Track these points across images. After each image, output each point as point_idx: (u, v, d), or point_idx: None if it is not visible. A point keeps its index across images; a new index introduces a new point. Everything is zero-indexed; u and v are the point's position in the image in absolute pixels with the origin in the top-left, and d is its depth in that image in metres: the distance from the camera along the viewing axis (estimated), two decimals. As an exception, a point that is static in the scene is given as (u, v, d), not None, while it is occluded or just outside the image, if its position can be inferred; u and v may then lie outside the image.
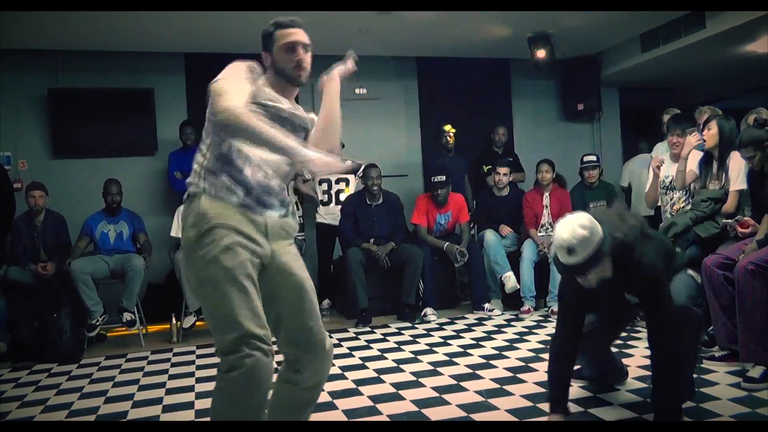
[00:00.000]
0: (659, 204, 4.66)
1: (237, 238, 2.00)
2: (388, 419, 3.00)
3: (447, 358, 4.11)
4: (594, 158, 5.86)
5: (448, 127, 6.36)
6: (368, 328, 5.19)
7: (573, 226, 2.44)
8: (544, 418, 2.77)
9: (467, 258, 5.64)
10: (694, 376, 3.08)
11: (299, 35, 2.23)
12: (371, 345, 4.61)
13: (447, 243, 5.74)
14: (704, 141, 4.14)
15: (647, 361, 3.43)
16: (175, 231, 5.40)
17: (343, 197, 6.07)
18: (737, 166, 3.92)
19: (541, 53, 6.49)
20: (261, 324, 1.97)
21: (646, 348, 3.35)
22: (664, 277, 2.60)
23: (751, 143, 3.67)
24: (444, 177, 5.86)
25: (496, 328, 4.96)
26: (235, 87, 2.03)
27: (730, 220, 3.80)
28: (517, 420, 2.88)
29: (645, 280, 2.55)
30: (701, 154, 4.31)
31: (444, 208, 5.92)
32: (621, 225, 2.56)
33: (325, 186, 6.17)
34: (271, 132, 1.94)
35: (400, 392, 3.41)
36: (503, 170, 5.94)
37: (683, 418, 2.60)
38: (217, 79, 2.05)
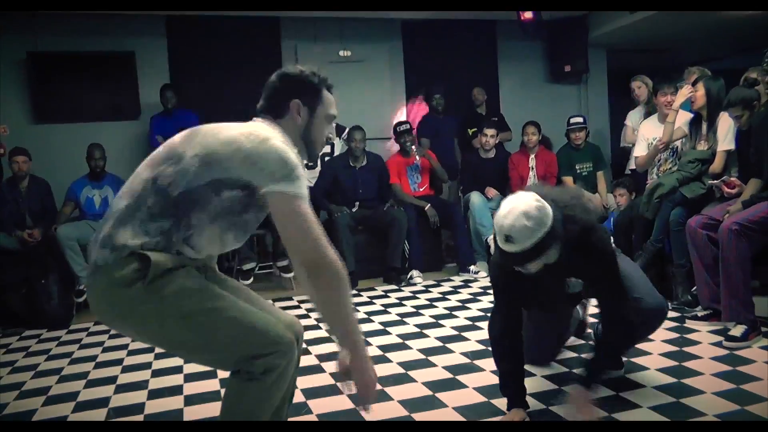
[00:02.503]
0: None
1: (179, 270, 1.78)
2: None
3: (433, 320, 4.15)
4: (580, 120, 5.85)
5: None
6: (354, 291, 5.22)
7: (518, 213, 2.15)
8: (503, 418, 2.49)
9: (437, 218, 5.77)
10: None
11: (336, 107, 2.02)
12: (358, 308, 4.64)
13: (429, 205, 5.77)
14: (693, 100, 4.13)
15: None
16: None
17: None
18: (726, 126, 3.94)
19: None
20: (279, 317, 1.94)
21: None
22: (616, 259, 2.46)
23: (739, 102, 3.68)
24: (408, 125, 6.00)
25: (481, 290, 4.99)
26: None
27: (716, 181, 3.82)
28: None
29: (602, 264, 2.39)
30: (690, 115, 4.32)
31: (412, 158, 5.96)
32: (581, 206, 2.34)
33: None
34: (352, 318, 1.81)
35: (387, 354, 3.45)
36: (490, 132, 5.93)
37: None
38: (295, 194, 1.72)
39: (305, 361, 3.35)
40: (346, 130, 6.07)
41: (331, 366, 3.27)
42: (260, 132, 1.78)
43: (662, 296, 2.72)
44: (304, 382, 3.02)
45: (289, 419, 2.10)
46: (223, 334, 1.75)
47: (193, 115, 5.78)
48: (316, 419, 2.63)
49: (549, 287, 2.48)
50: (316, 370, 3.24)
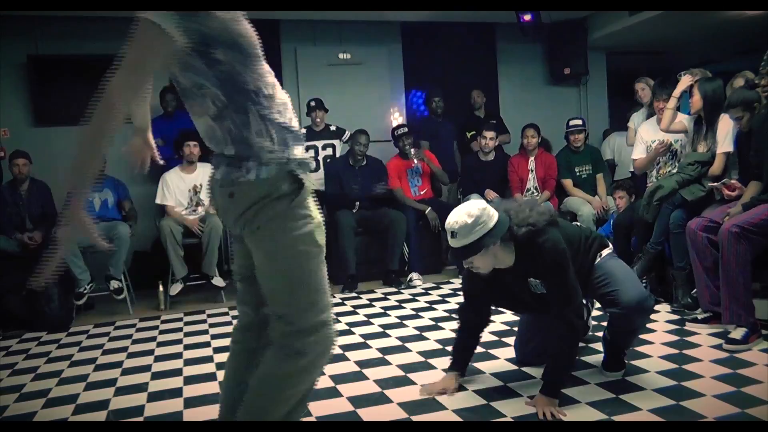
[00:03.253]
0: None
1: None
2: (374, 384, 3.04)
3: (433, 323, 4.14)
4: (580, 122, 5.84)
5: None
6: (354, 294, 5.22)
7: (462, 212, 2.52)
8: (438, 381, 2.91)
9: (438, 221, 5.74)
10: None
11: None
12: (357, 311, 4.64)
13: (429, 208, 5.76)
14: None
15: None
16: (160, 198, 5.39)
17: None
18: (725, 128, 3.94)
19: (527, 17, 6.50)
20: None
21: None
22: (567, 260, 2.59)
23: (740, 104, 3.68)
24: (406, 128, 5.99)
25: (482, 293, 4.98)
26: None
27: (716, 183, 3.82)
28: (502, 384, 2.93)
29: (549, 263, 2.57)
30: (686, 116, 4.32)
31: (412, 161, 5.96)
32: (530, 214, 2.60)
33: (311, 152, 6.14)
34: (102, 132, 1.79)
35: (386, 357, 3.45)
36: (489, 134, 5.93)
37: (558, 396, 2.60)
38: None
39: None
40: (347, 133, 6.08)
41: (330, 368, 3.27)
42: None
43: (647, 291, 2.76)
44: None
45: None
46: (310, 289, 1.83)
47: (193, 117, 5.78)
48: (315, 421, 2.63)
49: (513, 288, 2.77)
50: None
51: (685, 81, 4.22)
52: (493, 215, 2.53)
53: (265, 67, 1.86)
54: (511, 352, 3.31)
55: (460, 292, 4.93)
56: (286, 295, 1.85)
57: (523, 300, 2.82)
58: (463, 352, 2.96)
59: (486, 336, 3.69)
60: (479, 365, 3.19)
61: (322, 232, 1.89)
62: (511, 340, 3.52)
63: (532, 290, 2.73)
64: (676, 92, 4.28)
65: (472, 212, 2.50)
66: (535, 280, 2.68)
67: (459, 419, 2.57)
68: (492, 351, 3.42)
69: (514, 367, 3.14)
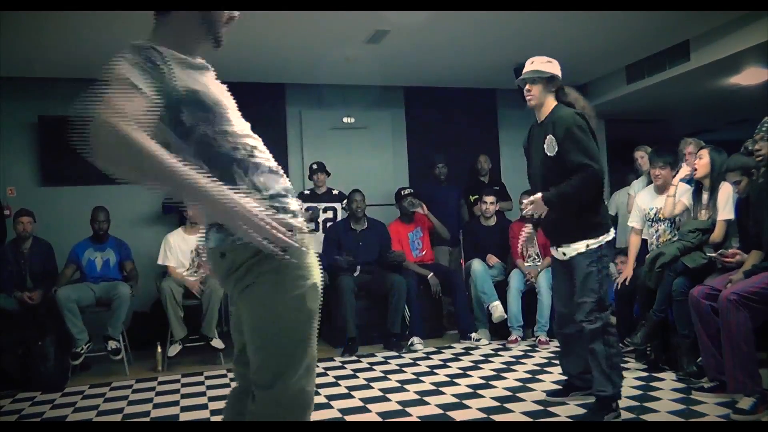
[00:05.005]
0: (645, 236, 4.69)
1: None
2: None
3: (434, 388, 4.08)
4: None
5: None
6: (355, 357, 5.16)
7: (547, 57, 3.40)
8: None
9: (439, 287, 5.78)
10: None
11: None
12: (357, 374, 4.58)
13: (431, 274, 5.76)
14: (695, 171, 4.17)
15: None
16: (162, 259, 5.39)
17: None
18: (725, 195, 3.97)
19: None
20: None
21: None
22: (584, 131, 3.17)
23: (738, 168, 3.73)
24: (412, 190, 6.09)
25: (483, 358, 4.94)
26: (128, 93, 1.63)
27: (715, 254, 3.82)
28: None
29: (566, 126, 3.17)
30: (689, 188, 4.35)
31: (412, 225, 6.00)
32: (583, 104, 3.35)
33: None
34: (180, 168, 1.58)
35: (387, 421, 3.38)
36: (489, 199, 5.97)
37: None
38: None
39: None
40: (345, 200, 6.12)
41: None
42: None
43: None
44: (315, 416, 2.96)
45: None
46: (285, 355, 1.77)
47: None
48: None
49: (537, 148, 3.43)
50: (323, 406, 3.18)
51: (685, 170, 4.31)
52: (558, 71, 3.35)
53: (238, 128, 1.84)
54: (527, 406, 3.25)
55: (462, 357, 4.93)
56: (260, 358, 1.79)
57: (540, 168, 3.40)
58: None
59: (487, 401, 3.66)
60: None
61: (317, 296, 1.84)
62: (527, 395, 3.46)
63: (546, 151, 3.27)
64: (676, 180, 4.35)
65: (552, 59, 3.36)
66: (551, 138, 3.22)
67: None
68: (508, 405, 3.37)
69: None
